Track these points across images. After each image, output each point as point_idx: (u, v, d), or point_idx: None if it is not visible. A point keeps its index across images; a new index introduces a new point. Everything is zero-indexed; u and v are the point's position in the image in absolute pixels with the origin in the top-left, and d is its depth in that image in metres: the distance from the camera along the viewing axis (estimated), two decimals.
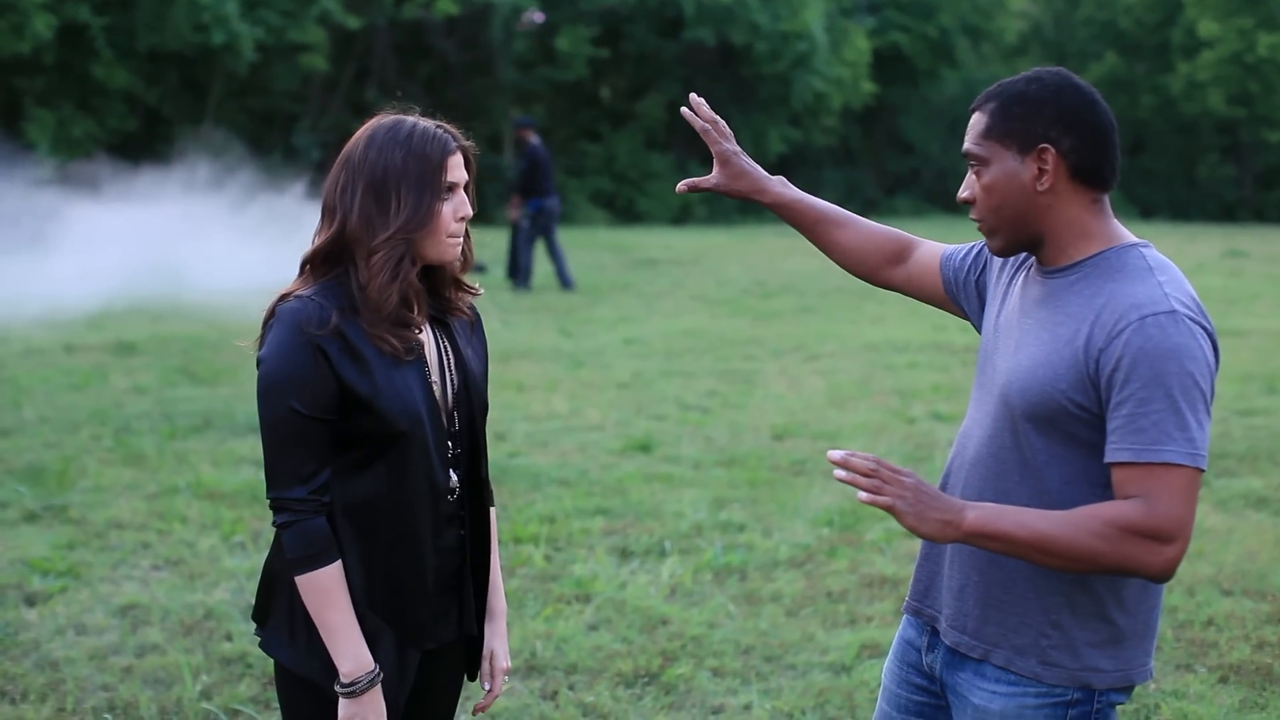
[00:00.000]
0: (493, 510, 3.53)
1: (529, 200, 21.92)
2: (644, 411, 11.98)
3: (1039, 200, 3.02)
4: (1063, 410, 2.94)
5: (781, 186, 3.56)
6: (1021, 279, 3.18)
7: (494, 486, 9.22)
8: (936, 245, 3.54)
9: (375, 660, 3.19)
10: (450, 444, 3.30)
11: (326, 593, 3.14)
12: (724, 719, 5.72)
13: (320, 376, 3.10)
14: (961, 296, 3.42)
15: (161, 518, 8.34)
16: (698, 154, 47.72)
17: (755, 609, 6.95)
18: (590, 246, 25.85)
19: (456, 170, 3.22)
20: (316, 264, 3.22)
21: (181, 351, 14.89)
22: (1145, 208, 54.94)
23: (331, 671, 3.19)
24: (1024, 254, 3.20)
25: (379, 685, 3.17)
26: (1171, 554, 2.84)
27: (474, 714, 3.60)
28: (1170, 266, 3.02)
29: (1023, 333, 3.07)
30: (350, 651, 3.15)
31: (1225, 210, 54.61)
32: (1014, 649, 3.06)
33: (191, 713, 5.66)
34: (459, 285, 3.39)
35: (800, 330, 17.54)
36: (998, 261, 3.31)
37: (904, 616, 3.39)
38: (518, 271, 21.99)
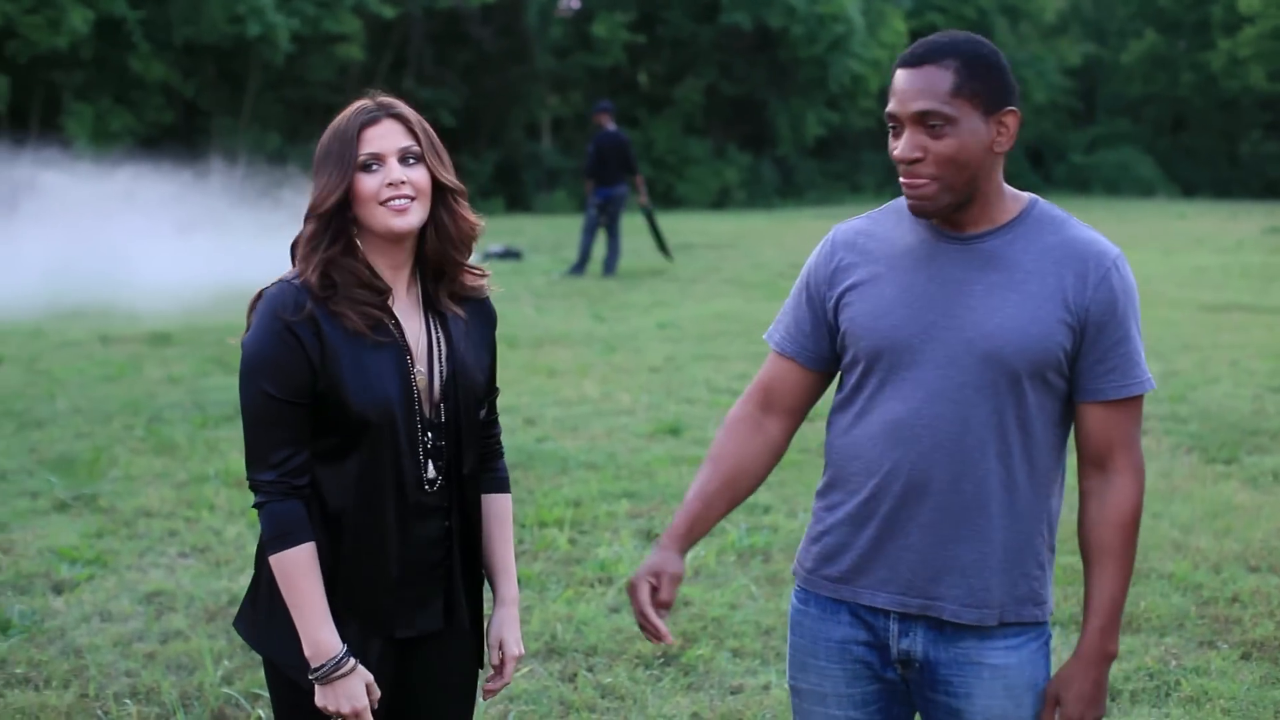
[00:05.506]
0: (504, 498, 3.52)
1: (597, 189, 21.86)
2: (674, 395, 11.98)
3: (989, 161, 3.05)
4: (1055, 360, 3.04)
5: (681, 548, 3.28)
6: (919, 249, 3.13)
7: (521, 471, 9.09)
8: (778, 362, 3.33)
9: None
10: (431, 435, 3.27)
11: (291, 575, 3.16)
12: (742, 699, 5.71)
13: (293, 360, 3.12)
14: (829, 348, 3.28)
15: (190, 506, 8.39)
16: (736, 137, 47.72)
17: (777, 590, 6.95)
18: (627, 232, 25.74)
19: (378, 141, 3.18)
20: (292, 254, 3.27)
21: (216, 341, 14.93)
22: (1187, 186, 54.69)
23: (286, 653, 3.24)
24: (863, 232, 3.23)
25: (351, 669, 3.17)
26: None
27: (484, 699, 3.57)
28: None
29: (980, 298, 3.05)
30: (312, 636, 3.16)
31: (1268, 187, 54.23)
32: (1016, 600, 3.12)
33: (212, 698, 5.70)
34: (458, 267, 3.33)
35: None
36: (839, 255, 3.22)
37: (816, 618, 3.26)
38: (597, 259, 21.95)
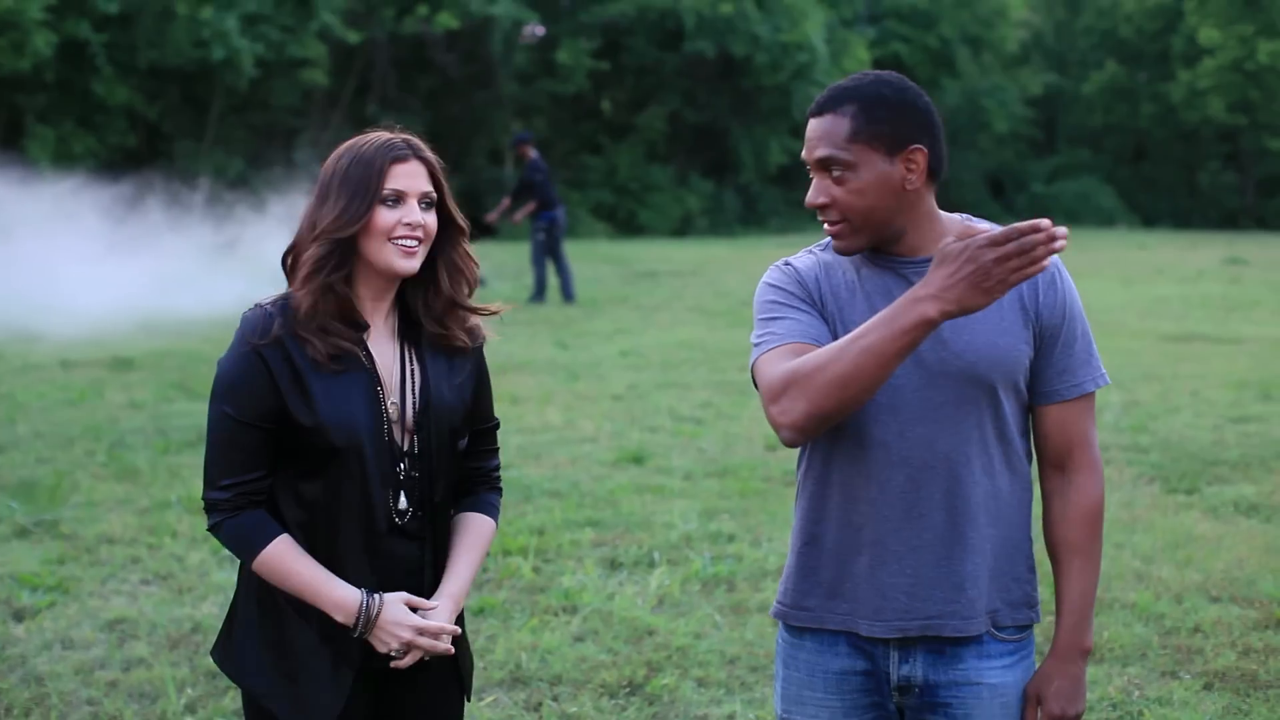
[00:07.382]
0: (485, 519, 3.47)
1: (540, 214, 21.85)
2: (638, 423, 11.98)
3: (905, 198, 3.07)
4: (1024, 367, 3.14)
5: None
6: (867, 283, 3.12)
7: None
8: (800, 347, 3.08)
9: (320, 657, 3.23)
10: (404, 465, 3.27)
11: (278, 569, 3.19)
12: None
13: (257, 385, 3.16)
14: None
15: (152, 532, 8.34)
16: (699, 165, 47.81)
17: (742, 619, 6.95)
18: (590, 259, 25.82)
19: (404, 179, 3.21)
20: (287, 270, 3.28)
21: (178, 367, 14.90)
22: (1147, 216, 55.06)
23: (242, 676, 3.28)
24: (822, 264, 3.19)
25: (380, 607, 3.19)
26: None
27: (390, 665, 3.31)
28: None
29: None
30: (330, 602, 3.19)
31: (1227, 218, 54.74)
32: (1011, 604, 3.20)
33: None
34: (456, 306, 3.35)
35: None
36: (812, 275, 3.18)
37: (813, 650, 3.23)
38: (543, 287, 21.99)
